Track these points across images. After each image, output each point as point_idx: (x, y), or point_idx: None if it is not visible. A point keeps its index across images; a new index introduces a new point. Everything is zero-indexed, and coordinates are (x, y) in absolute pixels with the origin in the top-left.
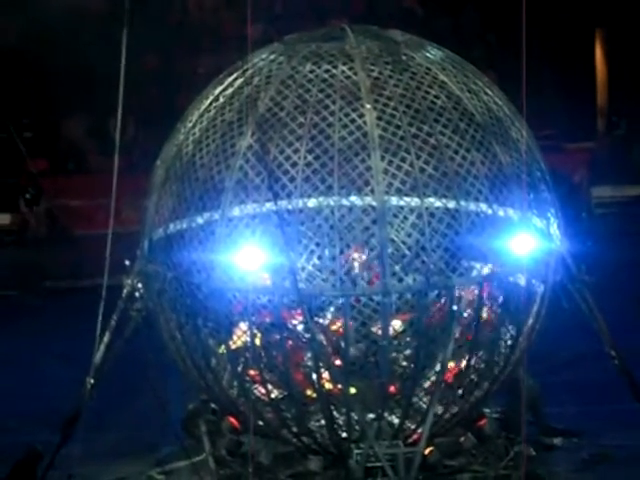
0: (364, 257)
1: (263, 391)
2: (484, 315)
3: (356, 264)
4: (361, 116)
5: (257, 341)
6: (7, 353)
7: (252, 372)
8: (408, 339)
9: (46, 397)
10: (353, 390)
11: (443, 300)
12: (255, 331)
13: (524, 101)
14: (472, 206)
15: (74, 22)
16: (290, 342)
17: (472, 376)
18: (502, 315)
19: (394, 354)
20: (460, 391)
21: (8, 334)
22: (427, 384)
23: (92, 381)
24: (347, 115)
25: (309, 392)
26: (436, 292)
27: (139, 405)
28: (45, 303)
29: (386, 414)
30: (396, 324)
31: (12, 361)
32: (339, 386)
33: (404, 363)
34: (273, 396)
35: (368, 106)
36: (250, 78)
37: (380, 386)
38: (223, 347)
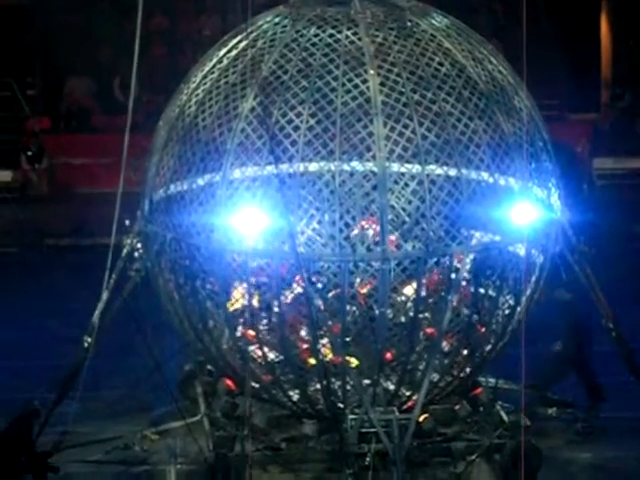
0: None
1: (260, 354)
2: (482, 284)
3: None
4: (364, 82)
5: (255, 302)
6: (6, 310)
7: (249, 333)
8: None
9: (44, 355)
10: (353, 360)
11: (442, 268)
12: (253, 291)
13: (524, 70)
14: (473, 174)
15: None
16: (288, 299)
17: (469, 344)
18: (500, 284)
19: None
20: (457, 359)
21: (8, 291)
22: (423, 351)
23: (89, 340)
24: (350, 80)
25: (306, 356)
26: (435, 260)
27: (136, 365)
28: (45, 261)
29: (382, 380)
30: (408, 291)
31: (11, 318)
32: (336, 352)
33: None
34: (270, 359)
35: (372, 72)
36: (254, 41)
37: (376, 352)
38: (222, 310)
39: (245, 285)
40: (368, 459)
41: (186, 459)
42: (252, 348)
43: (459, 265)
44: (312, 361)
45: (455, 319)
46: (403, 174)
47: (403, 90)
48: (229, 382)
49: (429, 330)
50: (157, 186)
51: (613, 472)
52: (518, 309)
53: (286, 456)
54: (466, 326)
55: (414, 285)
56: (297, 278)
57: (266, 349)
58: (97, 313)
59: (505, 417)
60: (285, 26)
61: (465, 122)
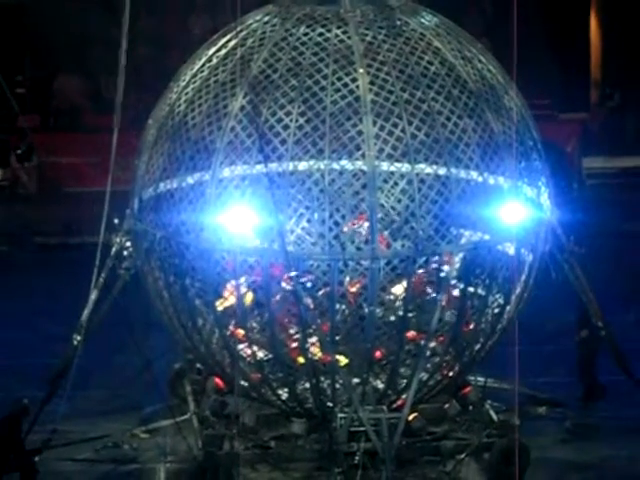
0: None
1: (249, 352)
2: (471, 283)
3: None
4: (354, 80)
5: (247, 300)
6: None
7: (239, 332)
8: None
9: (34, 353)
10: (342, 359)
11: (431, 267)
12: (244, 290)
13: (514, 69)
14: (463, 173)
15: None
16: (278, 298)
17: (458, 343)
18: (490, 283)
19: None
20: (446, 358)
21: None
22: (412, 350)
23: (79, 338)
24: (340, 79)
25: (295, 355)
26: (424, 259)
27: (125, 363)
28: (34, 259)
29: (371, 379)
30: (397, 290)
31: (0, 316)
32: (325, 351)
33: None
34: (259, 358)
35: (361, 70)
36: (244, 40)
37: (365, 351)
38: (216, 306)
39: (234, 284)
40: (357, 458)
41: (175, 457)
42: (241, 347)
43: (448, 265)
44: (301, 360)
45: (443, 319)
46: (392, 173)
47: (392, 89)
48: (218, 381)
49: (410, 334)
50: (146, 184)
51: (603, 471)
52: (507, 308)
53: (275, 455)
54: (454, 326)
55: (403, 284)
56: (286, 277)
57: (255, 348)
58: (86, 312)
59: (494, 416)
60: (275, 25)
61: (454, 121)
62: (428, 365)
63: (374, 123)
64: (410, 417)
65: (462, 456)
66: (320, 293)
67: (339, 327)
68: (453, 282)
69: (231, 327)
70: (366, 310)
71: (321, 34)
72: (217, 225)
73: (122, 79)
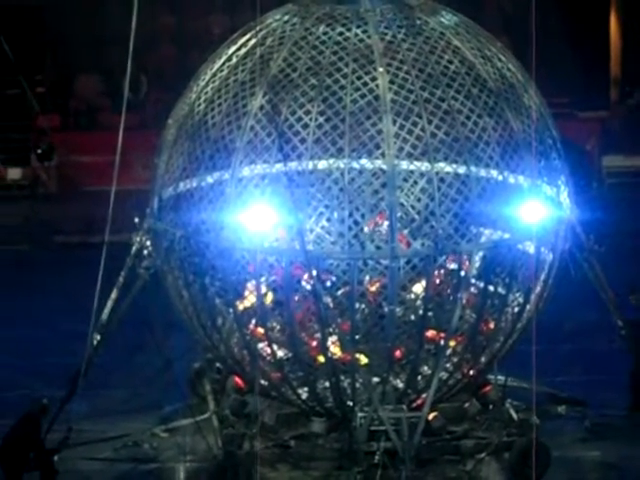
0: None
1: (269, 351)
2: (491, 282)
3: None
4: (373, 79)
5: (267, 300)
6: (17, 307)
7: (259, 331)
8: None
9: (54, 352)
10: (362, 358)
11: (451, 266)
12: (264, 290)
13: (533, 67)
14: (482, 172)
15: None
16: (297, 298)
17: (478, 342)
18: (510, 282)
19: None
20: (466, 357)
21: (18, 288)
22: (432, 349)
23: (98, 337)
24: (359, 78)
25: (315, 354)
26: (444, 257)
27: (145, 363)
28: (55, 258)
29: (391, 378)
30: (417, 288)
31: (21, 315)
32: (345, 350)
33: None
34: (279, 357)
35: (381, 69)
36: (263, 39)
37: (385, 350)
38: (231, 307)
39: (255, 283)
40: (377, 457)
41: (195, 457)
42: (261, 346)
43: (468, 264)
44: (321, 359)
45: (462, 317)
46: (412, 172)
47: (412, 88)
48: (238, 380)
49: (430, 334)
50: (166, 184)
51: (623, 470)
52: (527, 307)
53: (295, 454)
54: (473, 324)
55: (423, 283)
56: (306, 276)
57: (275, 347)
58: (106, 311)
59: (515, 415)
60: (294, 24)
61: (474, 120)
62: (448, 364)
63: (394, 122)
64: (430, 416)
65: (482, 455)
66: (340, 292)
67: (359, 326)
68: (473, 281)
69: (251, 326)
70: (386, 309)
71: (341, 33)
72: (237, 224)
73: (128, 78)
